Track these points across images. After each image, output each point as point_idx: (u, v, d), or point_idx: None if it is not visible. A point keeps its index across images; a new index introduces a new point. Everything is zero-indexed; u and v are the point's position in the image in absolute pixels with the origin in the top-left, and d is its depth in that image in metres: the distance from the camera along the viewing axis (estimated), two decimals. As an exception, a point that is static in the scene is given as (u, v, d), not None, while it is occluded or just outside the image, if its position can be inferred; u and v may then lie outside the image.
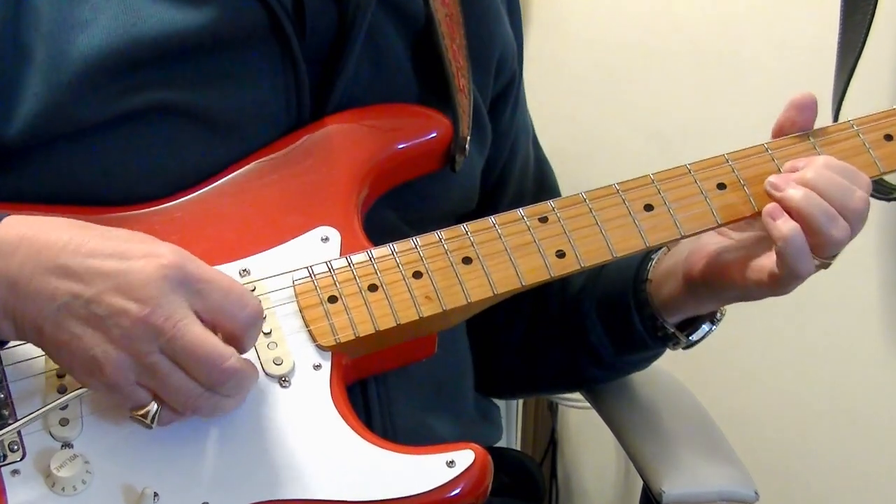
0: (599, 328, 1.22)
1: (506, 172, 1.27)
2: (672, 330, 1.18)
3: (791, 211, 1.03)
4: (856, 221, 1.04)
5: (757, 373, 1.93)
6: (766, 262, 1.06)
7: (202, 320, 0.88)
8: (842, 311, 1.78)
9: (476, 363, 1.24)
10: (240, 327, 0.89)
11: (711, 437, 1.26)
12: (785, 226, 1.02)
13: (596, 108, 2.11)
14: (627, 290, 1.19)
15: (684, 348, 1.20)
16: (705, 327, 1.18)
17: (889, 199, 1.45)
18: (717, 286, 1.12)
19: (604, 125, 2.08)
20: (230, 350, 0.88)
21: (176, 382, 0.87)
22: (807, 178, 1.04)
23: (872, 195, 1.09)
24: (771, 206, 1.04)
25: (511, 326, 1.27)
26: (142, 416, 0.88)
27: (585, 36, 2.16)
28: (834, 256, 1.05)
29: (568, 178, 1.34)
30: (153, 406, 0.88)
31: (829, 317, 1.80)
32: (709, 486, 1.18)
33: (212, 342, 0.87)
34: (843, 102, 1.44)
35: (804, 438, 1.87)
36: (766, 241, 1.06)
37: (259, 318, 0.90)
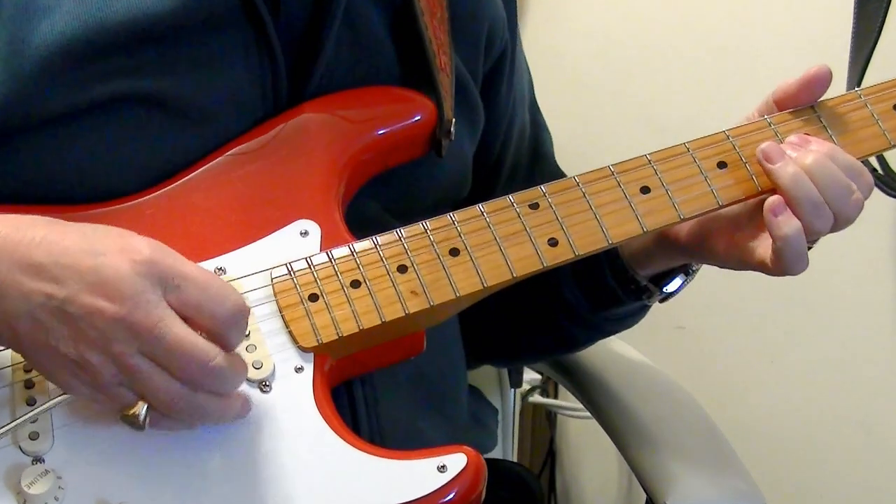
0: (572, 282, 1.22)
1: (504, 146, 1.26)
2: (644, 283, 1.17)
3: (779, 188, 1.02)
4: (844, 223, 1.04)
5: (766, 379, 1.92)
6: (758, 247, 1.05)
7: (182, 318, 0.87)
8: (855, 315, 1.77)
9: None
10: (220, 324, 0.88)
11: (718, 447, 1.25)
12: (786, 225, 1.01)
13: (596, 103, 2.10)
14: None
15: (660, 301, 1.20)
16: (678, 280, 1.18)
17: (900, 196, 1.43)
18: (695, 251, 1.11)
19: (605, 120, 2.07)
20: (215, 349, 0.87)
21: (158, 384, 0.87)
22: (806, 163, 1.03)
23: (883, 190, 1.07)
24: (773, 201, 1.02)
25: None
26: (131, 416, 0.87)
27: (585, 26, 2.14)
28: (813, 243, 1.05)
29: (567, 172, 1.32)
30: (143, 405, 0.88)
31: (843, 321, 1.79)
32: (715, 499, 1.17)
33: (193, 341, 0.86)
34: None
35: (816, 450, 1.86)
36: (758, 218, 1.05)
37: (241, 313, 0.89)
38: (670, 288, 1.18)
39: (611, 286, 1.18)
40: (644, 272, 1.17)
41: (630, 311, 1.23)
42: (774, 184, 1.03)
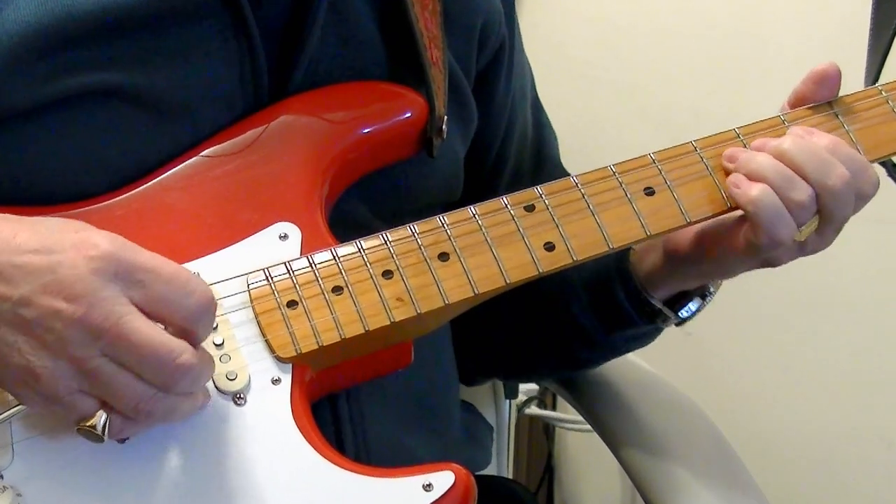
0: (585, 304, 1.21)
1: (504, 146, 1.26)
2: (659, 306, 1.17)
3: (749, 176, 1.03)
4: (833, 200, 1.03)
5: (778, 389, 1.91)
6: (741, 229, 1.05)
7: (146, 314, 0.86)
8: (874, 320, 1.76)
9: (457, 345, 1.23)
10: (188, 318, 0.87)
11: (727, 461, 1.25)
12: (752, 189, 1.02)
13: (598, 94, 2.10)
14: (609, 262, 1.18)
15: (676, 325, 1.20)
16: (693, 304, 1.18)
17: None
18: (697, 260, 1.11)
19: (607, 113, 2.07)
20: (183, 344, 0.86)
21: (123, 386, 0.85)
22: (782, 147, 1.03)
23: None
24: (733, 176, 1.04)
25: (495, 308, 1.24)
26: (89, 427, 0.86)
27: (586, 12, 2.14)
28: (802, 225, 1.03)
29: (567, 170, 1.32)
30: (101, 416, 0.86)
31: (860, 326, 1.78)
32: (724, 517, 1.16)
33: (160, 338, 0.85)
34: (877, 86, 1.42)
35: (832, 465, 1.85)
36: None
37: (210, 305, 0.88)
38: (685, 313, 1.18)
39: (626, 310, 1.18)
40: (658, 294, 1.17)
41: (645, 332, 1.23)
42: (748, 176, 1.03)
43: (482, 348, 1.28)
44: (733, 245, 1.06)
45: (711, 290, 1.17)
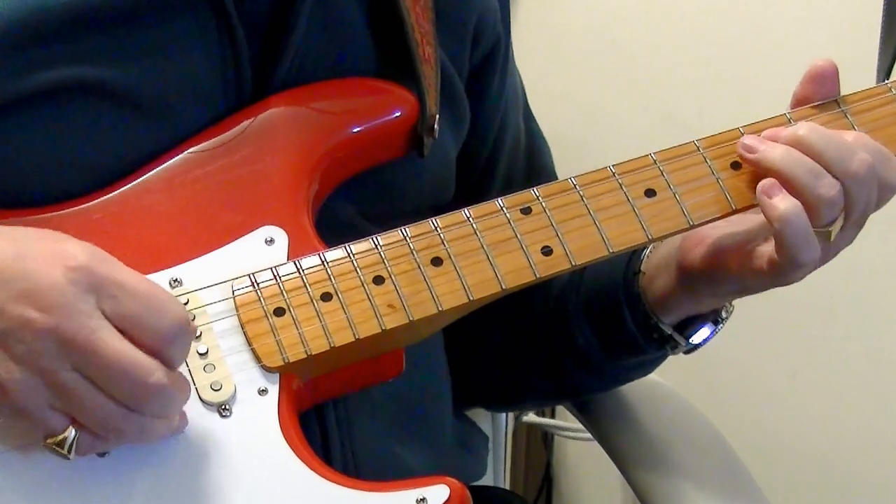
0: (587, 330, 1.21)
1: (496, 151, 1.25)
2: (668, 331, 1.16)
3: (770, 171, 1.01)
4: (856, 188, 1.01)
5: (786, 395, 1.91)
6: (766, 247, 1.04)
7: (118, 330, 0.86)
8: (884, 324, 1.76)
9: (451, 372, 1.23)
10: (159, 339, 0.87)
11: (733, 471, 1.25)
12: (782, 203, 1.00)
13: (598, 87, 2.10)
14: (617, 285, 1.17)
15: (685, 353, 1.18)
16: (706, 329, 1.16)
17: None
18: (715, 277, 1.09)
19: (607, 106, 2.07)
20: (154, 363, 0.86)
21: (93, 403, 0.85)
22: (799, 134, 1.02)
23: None
24: (766, 182, 1.01)
25: (487, 331, 1.25)
26: (57, 444, 0.86)
27: (588, 5, 2.14)
28: (831, 224, 1.02)
29: (566, 168, 1.32)
30: (70, 432, 0.86)
31: (871, 330, 1.78)
32: (729, 528, 1.16)
33: (133, 355, 0.85)
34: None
35: (842, 474, 1.85)
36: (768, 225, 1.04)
37: (183, 328, 0.88)
38: (696, 339, 1.16)
39: (632, 334, 1.17)
40: (668, 319, 1.16)
41: (650, 360, 1.22)
42: (767, 172, 1.02)
43: (473, 379, 1.27)
44: (758, 262, 1.05)
45: (724, 315, 1.16)
